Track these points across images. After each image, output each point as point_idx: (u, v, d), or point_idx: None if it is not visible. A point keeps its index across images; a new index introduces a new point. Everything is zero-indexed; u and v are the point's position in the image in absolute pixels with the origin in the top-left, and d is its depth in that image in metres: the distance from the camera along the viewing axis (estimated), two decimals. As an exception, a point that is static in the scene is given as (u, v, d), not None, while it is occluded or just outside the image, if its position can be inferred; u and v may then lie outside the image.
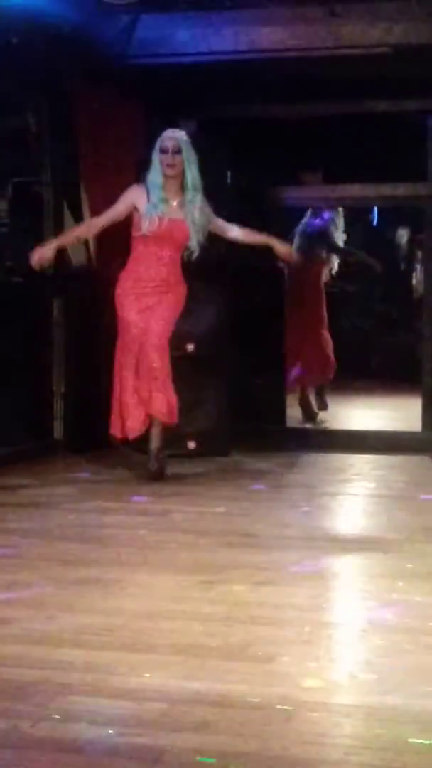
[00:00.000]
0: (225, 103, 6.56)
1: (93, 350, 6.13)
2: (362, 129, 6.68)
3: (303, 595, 3.25)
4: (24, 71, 5.57)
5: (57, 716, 2.28)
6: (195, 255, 5.25)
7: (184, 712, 2.31)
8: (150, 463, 5.21)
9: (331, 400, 8.05)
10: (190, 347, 6.02)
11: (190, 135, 5.50)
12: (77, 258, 6.38)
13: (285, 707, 2.34)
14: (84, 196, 6.22)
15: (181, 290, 5.30)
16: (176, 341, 6.01)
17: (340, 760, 2.08)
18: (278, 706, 2.34)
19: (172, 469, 5.61)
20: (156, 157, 5.12)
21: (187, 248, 5.22)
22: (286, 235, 7.50)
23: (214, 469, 5.70)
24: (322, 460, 6.12)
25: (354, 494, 5.18)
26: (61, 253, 5.42)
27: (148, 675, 2.54)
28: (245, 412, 6.38)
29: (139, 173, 5.93)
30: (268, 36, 5.82)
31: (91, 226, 5.31)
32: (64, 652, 2.71)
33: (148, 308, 5.17)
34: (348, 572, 3.65)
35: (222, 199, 6.13)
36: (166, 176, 5.10)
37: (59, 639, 2.81)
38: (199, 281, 6.01)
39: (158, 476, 5.18)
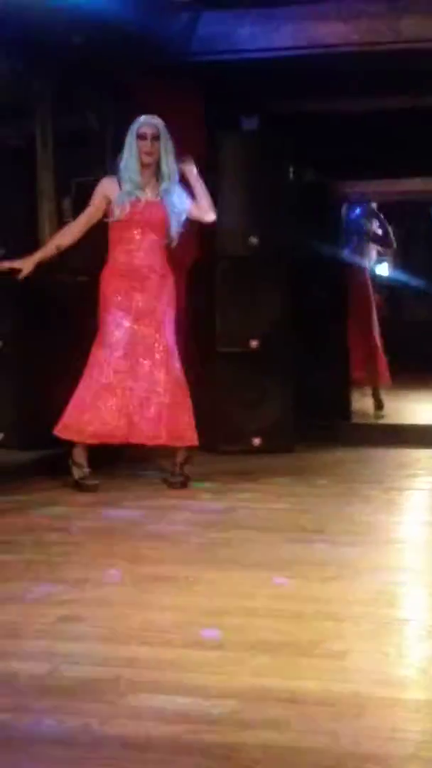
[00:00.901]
0: (287, 99, 6.54)
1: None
2: (424, 123, 6.61)
3: (372, 591, 3.23)
4: (86, 70, 5.61)
5: (126, 714, 2.29)
6: (174, 244, 5.03)
7: (255, 709, 2.30)
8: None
9: (396, 394, 7.99)
10: (254, 344, 6.01)
11: (253, 131, 5.48)
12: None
13: (356, 703, 2.33)
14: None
15: (172, 282, 5.07)
16: (239, 337, 6.02)
17: (411, 755, 2.07)
18: (349, 702, 2.33)
19: (237, 465, 5.62)
20: (132, 144, 4.90)
21: (166, 236, 5.00)
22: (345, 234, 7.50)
23: (279, 465, 5.68)
24: (388, 455, 6.07)
25: (421, 489, 5.13)
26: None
27: (216, 672, 2.54)
28: (310, 407, 6.35)
29: (200, 168, 5.93)
30: (329, 31, 5.78)
31: (70, 232, 5.04)
32: (133, 650, 2.72)
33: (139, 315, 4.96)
34: (416, 567, 3.62)
35: (284, 194, 6.13)
36: (142, 164, 4.91)
37: (128, 636, 2.82)
38: (262, 275, 6.01)
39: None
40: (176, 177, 4.97)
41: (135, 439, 4.96)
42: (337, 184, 7.11)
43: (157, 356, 4.95)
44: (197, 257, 6.19)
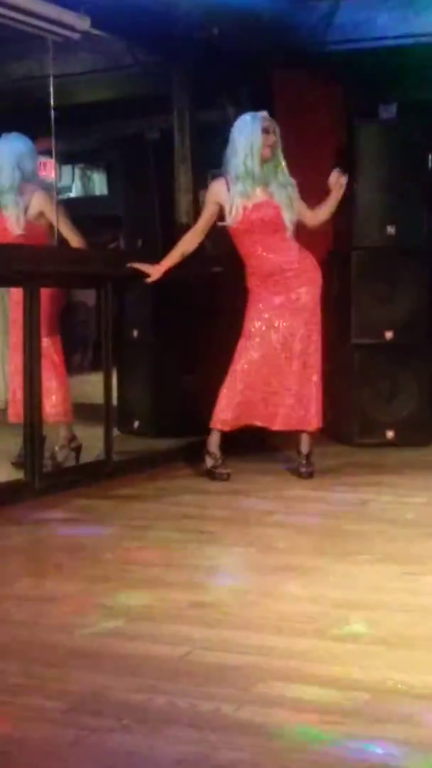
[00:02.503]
0: (425, 86, 6.42)
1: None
2: None
3: None
4: (225, 62, 5.63)
5: (259, 701, 2.30)
6: (289, 234, 4.98)
7: (388, 702, 2.28)
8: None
9: None
10: (389, 335, 5.94)
11: (391, 120, 5.40)
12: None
13: None
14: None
15: (311, 272, 5.03)
16: (374, 329, 5.95)
17: None
18: None
19: (370, 457, 5.57)
20: (255, 140, 4.84)
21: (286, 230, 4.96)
22: None
23: (414, 459, 5.60)
24: None
25: None
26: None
27: (350, 664, 2.52)
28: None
29: (338, 159, 5.89)
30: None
31: (192, 239, 5.07)
32: (265, 638, 2.72)
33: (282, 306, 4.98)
34: None
35: (422, 183, 6.03)
36: (265, 158, 4.89)
37: (260, 625, 2.83)
38: (399, 266, 5.93)
39: None
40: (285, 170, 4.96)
41: (268, 424, 5.00)
42: None
43: (297, 346, 4.95)
44: (332, 247, 6.15)
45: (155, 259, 5.11)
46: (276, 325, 4.99)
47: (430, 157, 6.07)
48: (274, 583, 3.24)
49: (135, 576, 3.35)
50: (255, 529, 4.03)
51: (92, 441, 5.19)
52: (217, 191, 4.99)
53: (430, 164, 6.06)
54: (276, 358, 4.98)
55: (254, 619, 2.88)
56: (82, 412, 5.46)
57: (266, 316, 4.99)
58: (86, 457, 5.20)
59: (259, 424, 5.03)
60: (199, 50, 5.60)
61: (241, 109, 5.57)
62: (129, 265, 5.09)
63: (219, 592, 3.16)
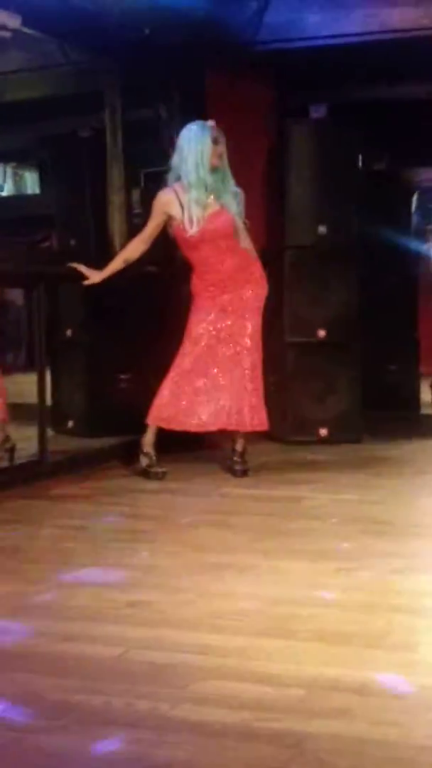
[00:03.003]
0: (356, 86, 6.48)
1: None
2: None
3: (441, 584, 3.20)
4: (155, 61, 5.62)
5: (195, 699, 2.30)
6: (244, 243, 5.04)
7: (323, 699, 2.30)
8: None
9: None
10: (322, 333, 5.99)
11: (322, 119, 5.44)
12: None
13: (427, 696, 2.30)
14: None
15: (257, 279, 5.10)
16: (307, 327, 5.99)
17: None
18: (420, 695, 2.31)
19: (303, 455, 5.61)
20: (204, 149, 4.88)
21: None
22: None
23: (347, 457, 5.66)
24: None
25: None
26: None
27: (285, 661, 2.54)
28: (378, 398, 6.31)
29: (269, 157, 5.92)
30: (399, 16, 5.72)
31: (136, 247, 5.05)
32: (201, 636, 2.73)
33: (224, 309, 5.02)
34: None
35: (353, 183, 6.09)
36: (214, 168, 4.91)
37: (196, 624, 2.83)
38: (330, 265, 5.98)
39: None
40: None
41: (207, 426, 5.00)
42: (408, 172, 7.03)
43: (239, 347, 4.98)
44: (264, 247, 6.17)
45: (88, 259, 5.09)
46: (219, 326, 4.99)
47: (360, 157, 6.13)
48: (209, 582, 3.25)
49: (67, 576, 3.33)
50: (190, 528, 4.04)
51: (26, 441, 5.15)
52: (166, 201, 4.97)
53: (360, 164, 6.12)
54: (218, 360, 4.98)
55: (190, 618, 2.89)
56: (15, 412, 5.41)
57: (211, 317, 5.00)
58: (20, 457, 5.15)
59: (194, 429, 5.02)
60: (131, 49, 5.59)
61: (173, 108, 5.58)
62: (70, 265, 5.06)
63: (154, 591, 3.16)
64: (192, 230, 4.91)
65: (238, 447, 5.09)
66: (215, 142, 4.92)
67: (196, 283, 5.05)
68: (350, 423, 6.02)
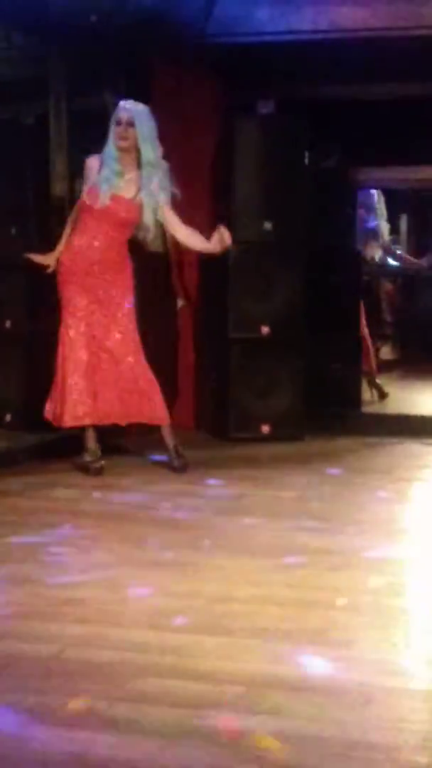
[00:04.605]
0: (304, 83, 6.46)
1: (164, 333, 6.14)
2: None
3: (379, 581, 3.20)
4: (103, 49, 5.56)
5: (133, 698, 2.27)
6: (150, 236, 5.02)
7: (262, 696, 2.28)
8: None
9: (406, 385, 7.93)
10: (265, 330, 5.97)
11: (269, 115, 5.41)
12: (152, 240, 6.36)
13: (362, 692, 2.30)
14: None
15: (128, 275, 5.02)
16: (251, 324, 5.97)
17: (419, 745, 2.05)
18: (356, 691, 2.30)
19: (246, 452, 5.58)
20: (111, 129, 4.86)
21: (139, 228, 4.96)
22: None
23: (289, 453, 5.65)
24: (398, 445, 6.03)
25: (430, 480, 5.09)
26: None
27: (224, 658, 2.51)
28: (320, 396, 6.31)
29: (216, 152, 5.87)
30: (348, 15, 5.72)
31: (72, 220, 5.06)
32: (140, 634, 2.69)
33: (97, 300, 4.94)
34: (424, 558, 3.58)
35: (299, 179, 6.08)
36: (119, 149, 4.86)
37: (134, 621, 2.80)
38: (275, 261, 5.97)
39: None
40: (158, 164, 4.87)
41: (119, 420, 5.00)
42: (353, 171, 7.05)
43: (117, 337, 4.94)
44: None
45: (30, 248, 5.02)
46: (95, 319, 4.93)
47: (307, 153, 6.12)
48: (149, 579, 3.21)
49: (4, 573, 3.27)
50: (129, 524, 3.99)
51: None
52: (89, 166, 4.93)
53: (307, 160, 6.11)
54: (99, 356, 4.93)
55: (128, 615, 2.85)
56: None
57: (83, 298, 4.93)
58: None
59: (113, 421, 4.98)
60: (78, 37, 5.52)
61: (118, 98, 5.52)
62: (26, 256, 5.01)
63: (91, 588, 3.11)
64: (88, 198, 4.87)
65: (169, 441, 5.01)
66: (118, 122, 4.84)
67: (65, 274, 4.95)
68: (293, 420, 6.01)
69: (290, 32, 5.73)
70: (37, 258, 5.02)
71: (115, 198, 4.89)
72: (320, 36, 5.74)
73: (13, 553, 3.52)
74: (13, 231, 6.08)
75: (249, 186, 5.97)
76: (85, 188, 4.96)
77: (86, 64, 5.59)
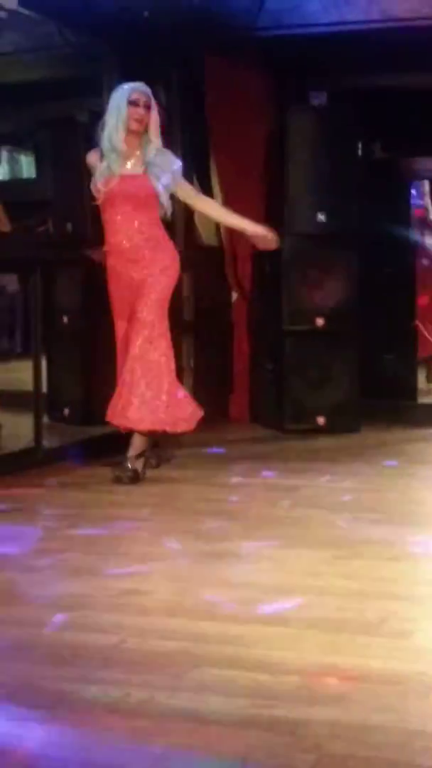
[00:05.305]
0: (356, 74, 6.44)
1: (219, 326, 6.15)
2: None
3: (439, 572, 3.20)
4: (155, 45, 5.59)
5: (193, 687, 2.29)
6: (169, 213, 4.82)
7: (320, 686, 2.29)
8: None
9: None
10: (320, 322, 5.97)
11: (321, 106, 5.39)
12: (207, 235, 6.39)
13: (422, 682, 2.30)
14: (213, 167, 6.21)
15: (170, 255, 4.77)
16: (305, 316, 5.98)
17: None
18: (416, 681, 2.31)
19: (302, 444, 5.59)
20: (121, 110, 4.65)
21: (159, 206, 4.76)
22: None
23: (345, 445, 5.64)
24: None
25: None
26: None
27: (282, 648, 2.53)
28: (376, 387, 6.29)
29: (268, 144, 5.87)
30: (400, 4, 5.69)
31: None
32: (198, 625, 2.72)
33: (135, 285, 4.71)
34: None
35: (353, 170, 6.06)
36: (129, 131, 4.66)
37: (193, 611, 2.83)
38: (329, 253, 5.96)
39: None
40: (160, 144, 4.75)
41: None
42: (407, 161, 7.00)
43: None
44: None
45: (85, 244, 5.06)
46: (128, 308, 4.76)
47: (360, 144, 6.10)
48: (206, 570, 3.24)
49: (68, 565, 3.32)
50: (187, 516, 4.02)
51: (22, 429, 5.12)
52: (93, 162, 4.79)
53: (360, 151, 6.09)
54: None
55: (187, 606, 2.88)
56: (10, 399, 5.39)
57: (126, 295, 4.76)
58: (16, 444, 5.13)
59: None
60: (130, 33, 5.55)
61: (172, 93, 5.55)
62: (84, 252, 5.00)
63: (152, 579, 3.14)
64: (102, 192, 4.72)
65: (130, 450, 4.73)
66: (134, 103, 4.66)
67: (108, 257, 4.80)
68: (348, 412, 6.00)
69: (342, 23, 5.71)
70: (93, 254, 5.05)
71: (124, 179, 4.71)
72: (372, 26, 5.72)
73: (75, 544, 3.57)
74: (69, 227, 6.14)
75: (302, 178, 5.97)
76: (94, 186, 4.80)
77: (139, 61, 5.62)
